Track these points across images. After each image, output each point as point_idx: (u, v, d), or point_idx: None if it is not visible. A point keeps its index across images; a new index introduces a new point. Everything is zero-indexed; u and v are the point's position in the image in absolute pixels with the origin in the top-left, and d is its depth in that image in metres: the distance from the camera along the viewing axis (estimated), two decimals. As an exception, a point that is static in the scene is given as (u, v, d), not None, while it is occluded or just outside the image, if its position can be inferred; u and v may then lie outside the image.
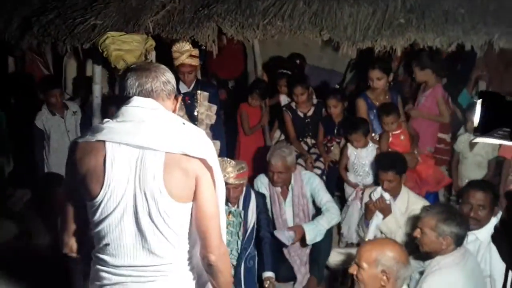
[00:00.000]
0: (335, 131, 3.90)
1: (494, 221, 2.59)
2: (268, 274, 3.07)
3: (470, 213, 2.60)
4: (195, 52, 3.42)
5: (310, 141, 4.06)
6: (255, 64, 4.33)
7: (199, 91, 3.54)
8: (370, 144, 3.66)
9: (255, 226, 3.12)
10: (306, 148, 4.03)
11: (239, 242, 3.09)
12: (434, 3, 3.31)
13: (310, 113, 4.05)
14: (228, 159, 3.05)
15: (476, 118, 1.47)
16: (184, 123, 1.58)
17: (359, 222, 3.33)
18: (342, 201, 3.75)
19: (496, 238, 1.93)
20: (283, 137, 4.28)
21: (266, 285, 3.05)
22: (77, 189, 1.57)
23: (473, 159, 3.70)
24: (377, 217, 3.16)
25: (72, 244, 1.65)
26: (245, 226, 3.08)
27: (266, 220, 3.19)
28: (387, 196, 3.16)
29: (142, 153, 1.51)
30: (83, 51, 3.88)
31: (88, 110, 3.91)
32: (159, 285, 1.57)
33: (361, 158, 3.63)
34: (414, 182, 3.56)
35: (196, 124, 3.53)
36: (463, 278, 2.26)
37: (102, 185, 1.50)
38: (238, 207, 3.12)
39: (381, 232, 3.17)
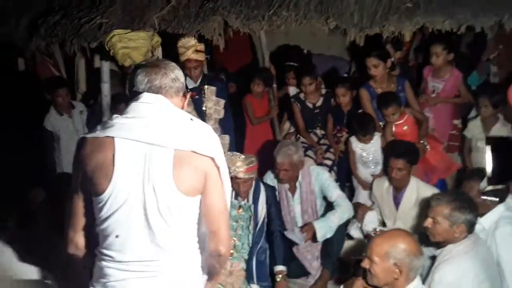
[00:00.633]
0: (345, 121, 3.93)
1: (499, 209, 2.59)
2: (280, 267, 3.12)
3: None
4: (201, 46, 3.48)
5: (319, 132, 4.09)
6: (262, 56, 4.39)
7: (206, 86, 3.60)
8: (375, 133, 3.68)
9: (266, 220, 3.17)
10: (316, 139, 4.06)
11: (250, 236, 3.15)
12: (442, -16, 3.32)
13: (319, 104, 4.08)
14: (238, 154, 3.12)
15: (488, 167, 1.46)
16: (192, 119, 1.62)
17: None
18: (352, 191, 3.79)
19: None
20: (292, 129, 4.32)
21: (278, 279, 3.11)
22: (85, 185, 1.61)
23: None
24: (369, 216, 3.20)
25: (77, 240, 1.67)
26: (255, 219, 3.15)
27: (277, 213, 3.23)
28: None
29: (151, 149, 1.54)
30: (91, 51, 3.99)
31: (98, 109, 4.00)
32: (163, 280, 1.61)
33: (367, 149, 3.66)
34: (423, 171, 3.56)
35: (204, 119, 3.58)
36: (475, 266, 2.28)
37: (110, 180, 1.53)
38: (248, 201, 3.17)
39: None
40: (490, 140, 1.50)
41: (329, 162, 3.84)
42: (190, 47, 3.41)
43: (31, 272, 2.15)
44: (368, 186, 3.62)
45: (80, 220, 1.66)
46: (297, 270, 3.32)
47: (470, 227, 2.39)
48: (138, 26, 3.59)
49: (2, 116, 4.00)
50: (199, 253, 1.70)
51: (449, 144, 3.86)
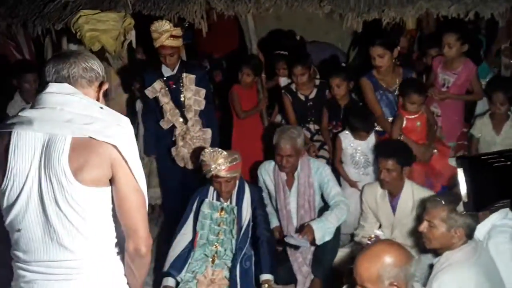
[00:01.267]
0: (341, 115, 3.76)
1: (493, 218, 2.49)
2: (267, 276, 2.97)
3: None
4: (177, 31, 3.27)
5: (313, 127, 3.93)
6: (250, 42, 4.21)
7: (184, 74, 3.41)
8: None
9: (251, 223, 3.04)
10: (309, 135, 3.89)
11: (233, 241, 3.02)
12: (448, -35, 3.19)
13: (312, 96, 3.91)
14: (219, 150, 2.96)
15: (463, 191, 1.32)
16: (102, 108, 1.63)
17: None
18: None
19: None
20: (284, 123, 4.12)
21: (264, 289, 2.97)
22: None
23: (504, 142, 3.49)
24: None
25: None
26: (239, 223, 3.01)
27: (263, 216, 3.10)
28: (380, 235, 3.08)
29: (48, 139, 1.56)
30: (57, 33, 3.78)
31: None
32: (74, 284, 1.59)
33: (361, 147, 3.49)
34: (426, 176, 3.39)
35: (182, 111, 3.45)
36: (476, 275, 2.18)
37: (5, 173, 1.57)
38: (231, 202, 3.05)
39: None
40: (463, 161, 1.33)
41: (323, 161, 3.66)
42: (164, 32, 3.21)
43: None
44: (356, 184, 3.49)
45: None
46: (285, 276, 3.20)
47: (470, 232, 2.30)
48: (108, 6, 3.43)
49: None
50: (119, 259, 1.69)
51: (457, 144, 3.71)
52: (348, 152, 3.54)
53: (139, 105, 4.01)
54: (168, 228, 3.53)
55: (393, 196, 3.12)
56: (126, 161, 1.58)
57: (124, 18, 3.27)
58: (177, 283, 2.94)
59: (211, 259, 3.02)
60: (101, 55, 3.85)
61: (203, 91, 3.47)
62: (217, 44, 4.73)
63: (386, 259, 1.86)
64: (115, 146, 1.56)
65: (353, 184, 3.52)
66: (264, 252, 3.01)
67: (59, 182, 1.54)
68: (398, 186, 3.07)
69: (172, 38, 3.25)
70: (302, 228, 3.10)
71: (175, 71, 3.43)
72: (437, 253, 2.39)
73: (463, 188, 1.35)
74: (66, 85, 1.60)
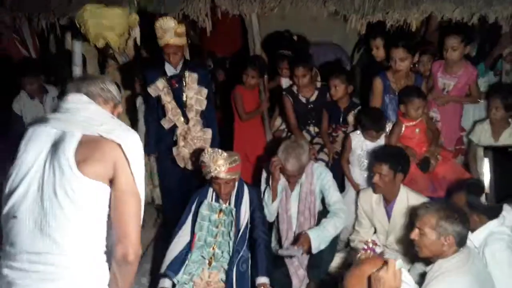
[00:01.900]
0: (341, 118, 3.77)
1: (490, 224, 2.52)
2: (263, 279, 2.97)
3: None
4: (181, 29, 3.28)
5: (313, 129, 3.94)
6: (253, 42, 4.21)
7: (187, 73, 3.42)
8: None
9: (249, 226, 3.05)
10: (308, 137, 3.91)
11: (231, 243, 3.02)
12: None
13: (313, 98, 3.92)
14: (220, 150, 2.97)
15: (486, 182, 1.32)
16: (113, 117, 1.79)
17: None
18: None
19: None
20: (284, 126, 4.17)
21: (260, 293, 2.97)
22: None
23: None
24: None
25: None
26: (237, 225, 3.02)
27: (261, 218, 3.10)
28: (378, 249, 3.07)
29: (60, 135, 1.67)
30: (61, 28, 3.80)
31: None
32: (55, 286, 1.59)
33: (369, 149, 3.48)
34: (429, 182, 3.38)
35: (184, 110, 3.47)
36: (469, 283, 2.19)
37: (16, 158, 1.67)
38: (229, 204, 3.06)
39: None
40: (489, 151, 1.34)
41: (322, 164, 3.66)
42: (169, 30, 3.22)
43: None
44: (358, 188, 3.49)
45: None
46: (281, 280, 3.20)
47: (460, 240, 2.30)
48: (113, 2, 3.40)
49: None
50: (106, 266, 1.68)
51: (456, 149, 3.72)
52: (356, 152, 3.54)
53: (139, 101, 4.02)
54: (166, 229, 3.54)
55: (388, 202, 3.12)
56: (128, 163, 1.64)
57: (129, 14, 3.27)
58: (174, 285, 2.94)
59: (208, 261, 3.03)
60: (106, 51, 3.90)
61: (205, 91, 3.48)
62: (221, 43, 4.72)
63: (367, 275, 1.82)
64: (120, 146, 1.64)
65: (356, 187, 3.53)
66: (260, 255, 3.01)
67: (62, 171, 1.61)
68: (393, 192, 3.07)
69: (176, 36, 3.26)
70: (299, 237, 3.12)
71: (178, 69, 3.44)
72: (430, 261, 2.38)
73: (486, 178, 1.35)
74: (84, 96, 1.76)
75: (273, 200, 3.23)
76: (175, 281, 2.95)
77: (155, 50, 3.54)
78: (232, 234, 3.03)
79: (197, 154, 3.28)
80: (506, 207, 2.60)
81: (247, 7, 3.54)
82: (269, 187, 3.23)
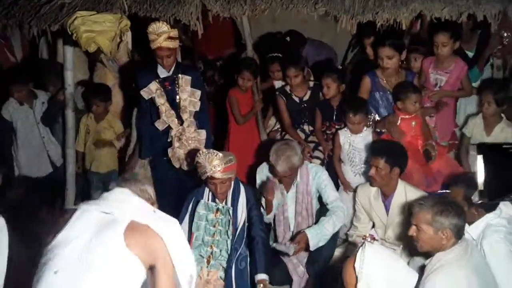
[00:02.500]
0: (334, 116, 3.84)
1: (487, 217, 2.56)
2: (262, 276, 3.02)
3: None
4: (174, 33, 3.33)
5: (307, 128, 3.99)
6: (245, 44, 4.27)
7: (180, 75, 3.47)
8: (365, 128, 3.59)
9: (246, 224, 3.09)
10: (303, 136, 3.97)
11: (229, 242, 3.06)
12: (441, -31, 3.26)
13: (306, 98, 3.98)
14: (215, 151, 3.01)
15: (480, 179, 1.35)
16: (155, 211, 1.92)
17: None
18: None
19: None
20: (278, 125, 4.22)
21: (259, 289, 3.01)
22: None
23: None
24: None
25: None
26: (234, 224, 3.06)
27: (258, 216, 3.14)
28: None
29: (108, 217, 1.81)
30: (52, 34, 3.83)
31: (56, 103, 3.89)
32: None
33: (357, 144, 3.56)
34: (424, 176, 3.44)
35: (178, 112, 3.50)
36: (467, 275, 2.23)
37: (66, 225, 1.80)
38: (226, 203, 3.09)
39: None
40: (482, 148, 1.38)
41: (317, 161, 3.74)
42: (162, 34, 3.27)
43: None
44: (351, 187, 3.54)
45: None
46: (280, 277, 3.25)
47: (458, 232, 2.33)
48: (104, 8, 3.47)
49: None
50: None
51: (449, 143, 3.79)
52: (345, 148, 3.60)
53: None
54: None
55: (386, 196, 3.17)
56: (169, 255, 1.78)
57: (120, 19, 3.30)
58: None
59: (206, 260, 3.06)
60: (97, 56, 3.93)
61: (198, 92, 3.53)
62: (212, 45, 4.77)
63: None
64: (163, 240, 1.78)
65: (347, 186, 3.58)
66: (259, 253, 3.04)
67: (107, 246, 1.73)
68: (390, 186, 3.12)
69: (169, 40, 3.31)
70: (297, 235, 3.17)
71: (171, 72, 3.49)
72: (429, 254, 2.40)
73: (480, 175, 1.36)
74: (127, 189, 1.94)
75: (268, 214, 3.28)
76: (174, 281, 2.98)
77: (146, 53, 3.58)
78: (229, 233, 3.07)
79: (192, 154, 3.31)
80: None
81: (238, 10, 3.57)
82: (263, 197, 3.27)
